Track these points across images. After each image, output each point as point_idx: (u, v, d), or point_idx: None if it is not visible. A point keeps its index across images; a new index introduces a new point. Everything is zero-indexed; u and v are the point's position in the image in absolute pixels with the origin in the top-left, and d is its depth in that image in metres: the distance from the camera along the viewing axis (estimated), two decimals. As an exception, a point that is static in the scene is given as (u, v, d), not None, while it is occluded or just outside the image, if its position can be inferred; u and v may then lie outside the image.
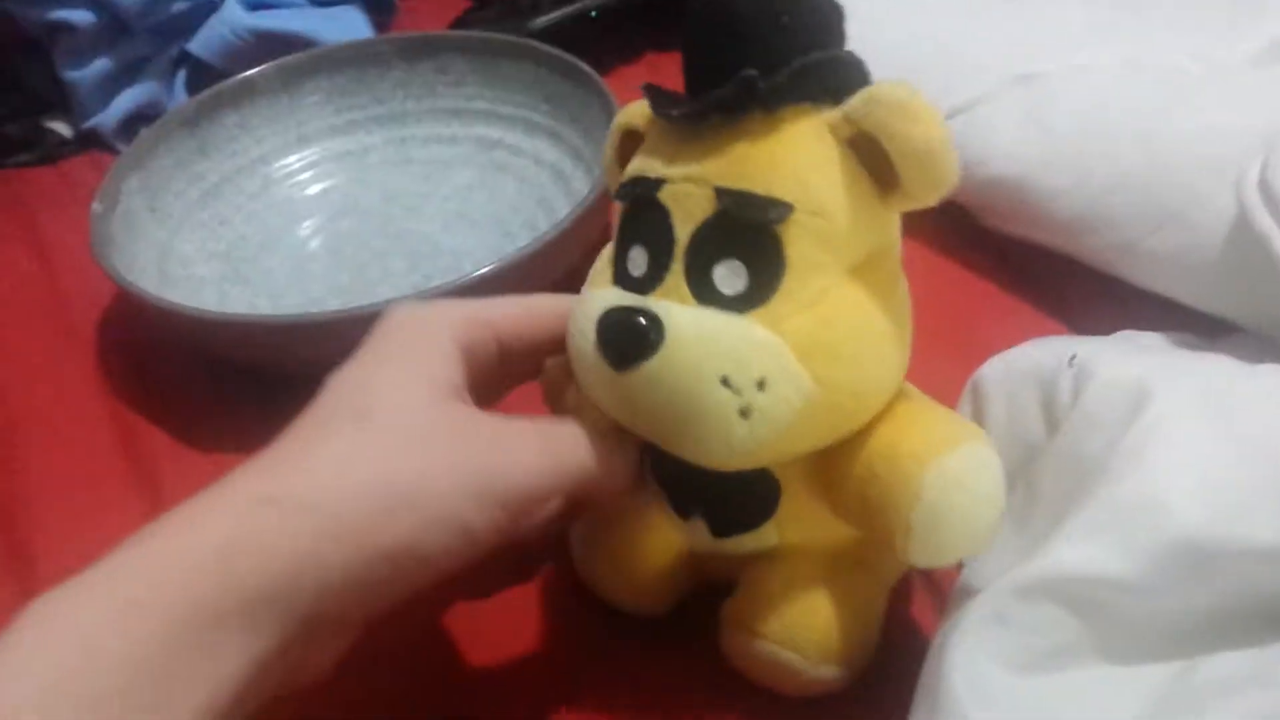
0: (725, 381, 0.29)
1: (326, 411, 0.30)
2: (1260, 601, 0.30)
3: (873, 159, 0.30)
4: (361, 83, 0.64)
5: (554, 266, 0.49)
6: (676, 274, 0.30)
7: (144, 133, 0.58)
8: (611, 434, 0.33)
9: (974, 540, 0.31)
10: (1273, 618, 0.30)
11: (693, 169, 0.30)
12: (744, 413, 0.29)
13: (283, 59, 0.63)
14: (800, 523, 0.34)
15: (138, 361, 0.54)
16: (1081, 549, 0.30)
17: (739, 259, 0.29)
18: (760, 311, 0.29)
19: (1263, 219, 0.36)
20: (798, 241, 0.29)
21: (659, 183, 0.31)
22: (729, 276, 0.30)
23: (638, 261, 0.31)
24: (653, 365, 0.29)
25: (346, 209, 0.61)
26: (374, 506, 0.28)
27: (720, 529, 0.35)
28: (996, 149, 0.47)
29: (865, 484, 0.31)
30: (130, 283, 0.48)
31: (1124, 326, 0.42)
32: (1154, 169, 0.43)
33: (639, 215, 0.31)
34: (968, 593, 0.32)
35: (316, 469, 0.28)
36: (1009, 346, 0.38)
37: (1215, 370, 0.33)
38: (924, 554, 0.31)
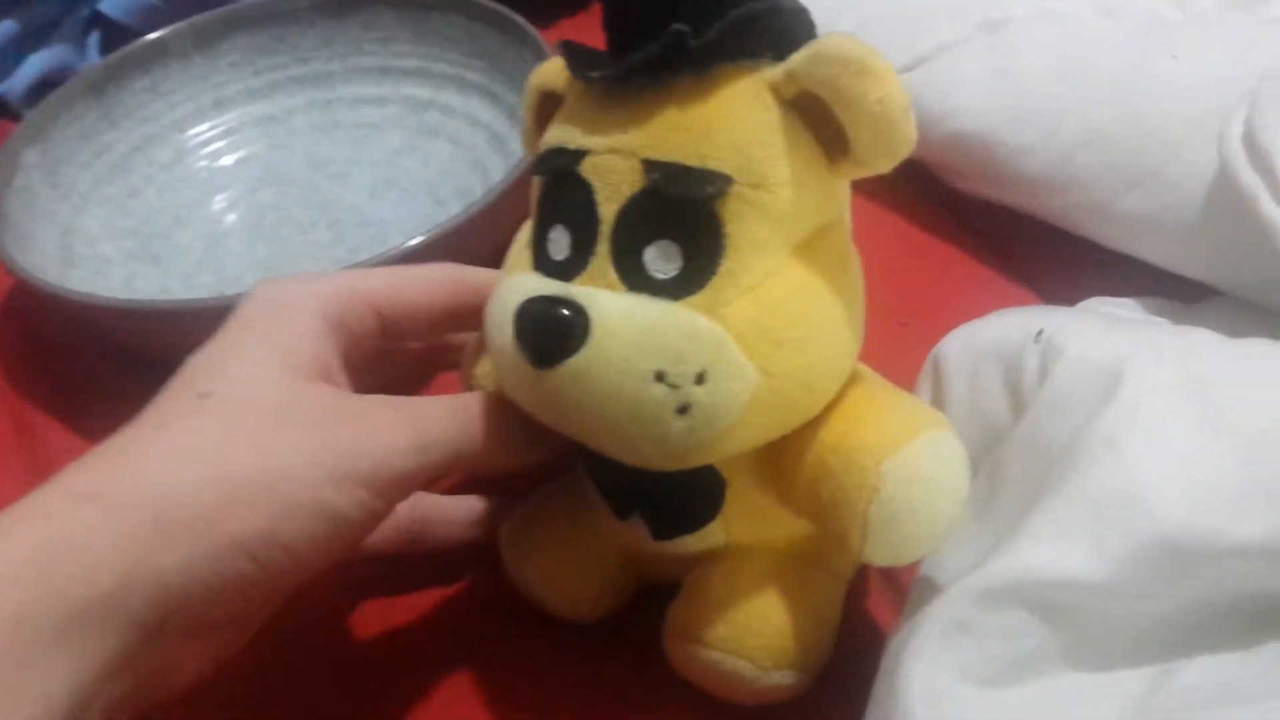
0: (660, 377, 0.26)
1: (169, 397, 0.29)
2: (1243, 601, 0.28)
3: (820, 122, 0.27)
4: (282, 41, 0.60)
5: (489, 236, 0.45)
6: (602, 257, 0.27)
7: (44, 101, 0.55)
8: (501, 406, 0.31)
9: (935, 537, 0.29)
10: (1257, 618, 0.28)
11: (617, 139, 0.27)
12: (682, 410, 0.26)
13: (196, 17, 0.59)
14: (749, 520, 0.32)
15: (37, 352, 0.51)
16: (1049, 549, 0.27)
17: (672, 239, 0.27)
18: (698, 297, 0.27)
19: (1247, 175, 0.33)
20: (737, 218, 0.27)
21: (580, 154, 0.28)
22: (661, 259, 0.27)
23: (559, 244, 0.28)
24: (578, 362, 0.26)
25: (267, 178, 0.57)
26: (216, 496, 0.26)
27: (661, 531, 0.32)
28: (960, 102, 0.45)
29: (818, 480, 0.29)
30: (23, 269, 0.45)
31: (1095, 293, 0.40)
32: (1129, 123, 0.40)
33: (559, 192, 0.28)
34: (927, 587, 0.30)
35: (148, 460, 0.27)
36: (972, 318, 0.36)
37: (1194, 346, 0.30)
38: (882, 553, 0.29)
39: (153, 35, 0.58)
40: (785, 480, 0.30)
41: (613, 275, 0.27)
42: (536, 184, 0.30)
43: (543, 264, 0.29)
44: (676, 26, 0.26)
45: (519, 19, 0.54)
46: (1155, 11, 0.45)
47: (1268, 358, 0.30)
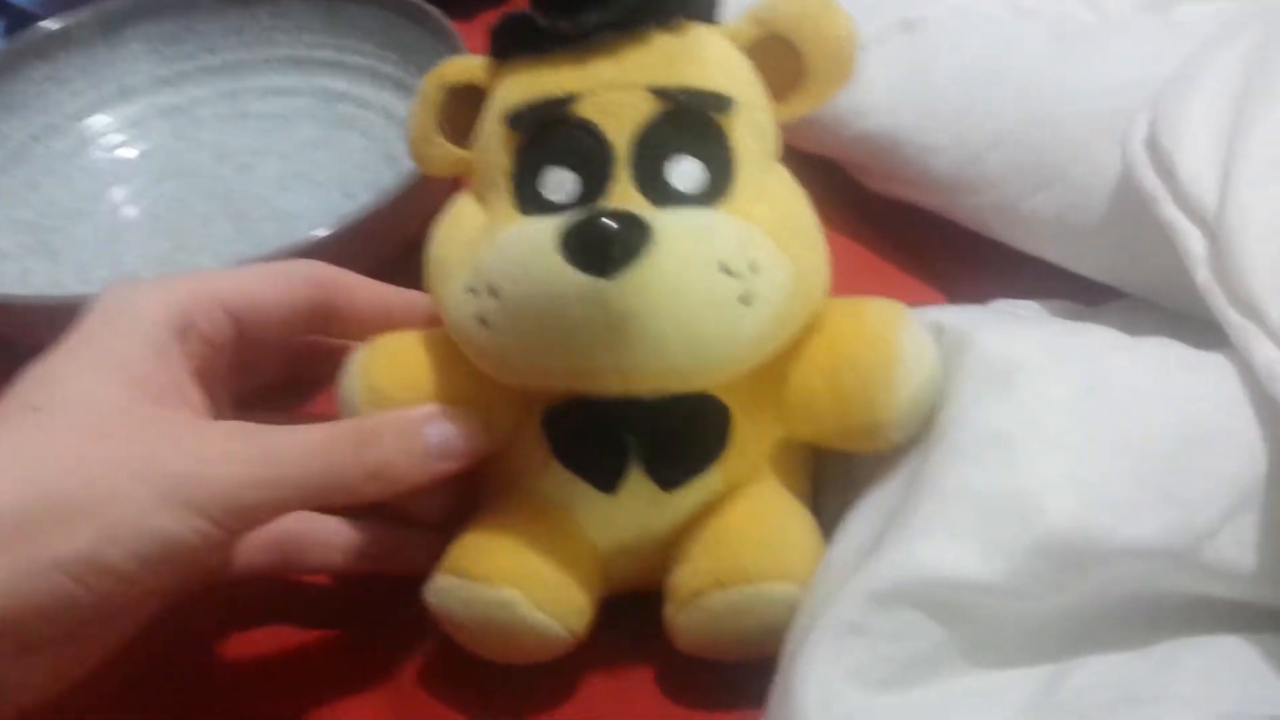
0: (724, 269, 0.28)
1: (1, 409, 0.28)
2: (1135, 601, 0.28)
3: (770, 66, 0.31)
4: (190, 29, 0.58)
5: (399, 229, 0.45)
6: (623, 183, 0.29)
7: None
8: (387, 423, 0.30)
9: (935, 400, 0.31)
10: (1149, 617, 0.28)
11: (614, 74, 0.29)
12: (745, 299, 0.28)
13: (101, 3, 0.57)
14: (743, 457, 0.31)
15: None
16: (940, 547, 0.27)
17: (692, 155, 0.29)
18: (725, 203, 0.29)
19: (1149, 178, 0.33)
20: (741, 134, 0.30)
21: (568, 99, 0.29)
22: (686, 174, 0.29)
23: (560, 185, 0.30)
24: (650, 263, 0.27)
25: (172, 170, 0.56)
26: (36, 514, 0.25)
27: (672, 476, 0.31)
28: (873, 101, 0.44)
29: (835, 374, 0.30)
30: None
31: (1004, 293, 0.40)
32: (1037, 125, 0.40)
33: (549, 138, 0.30)
34: (828, 573, 0.30)
35: None
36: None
37: (1090, 347, 0.30)
38: (908, 423, 0.30)
39: (55, 22, 0.56)
40: (795, 391, 0.31)
41: (639, 197, 0.29)
42: (504, 142, 0.30)
43: (541, 209, 0.29)
44: None
45: (433, 10, 0.53)
46: (1069, 14, 0.45)
47: (1161, 359, 0.30)
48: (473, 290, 0.29)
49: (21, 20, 0.64)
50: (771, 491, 0.32)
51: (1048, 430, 0.28)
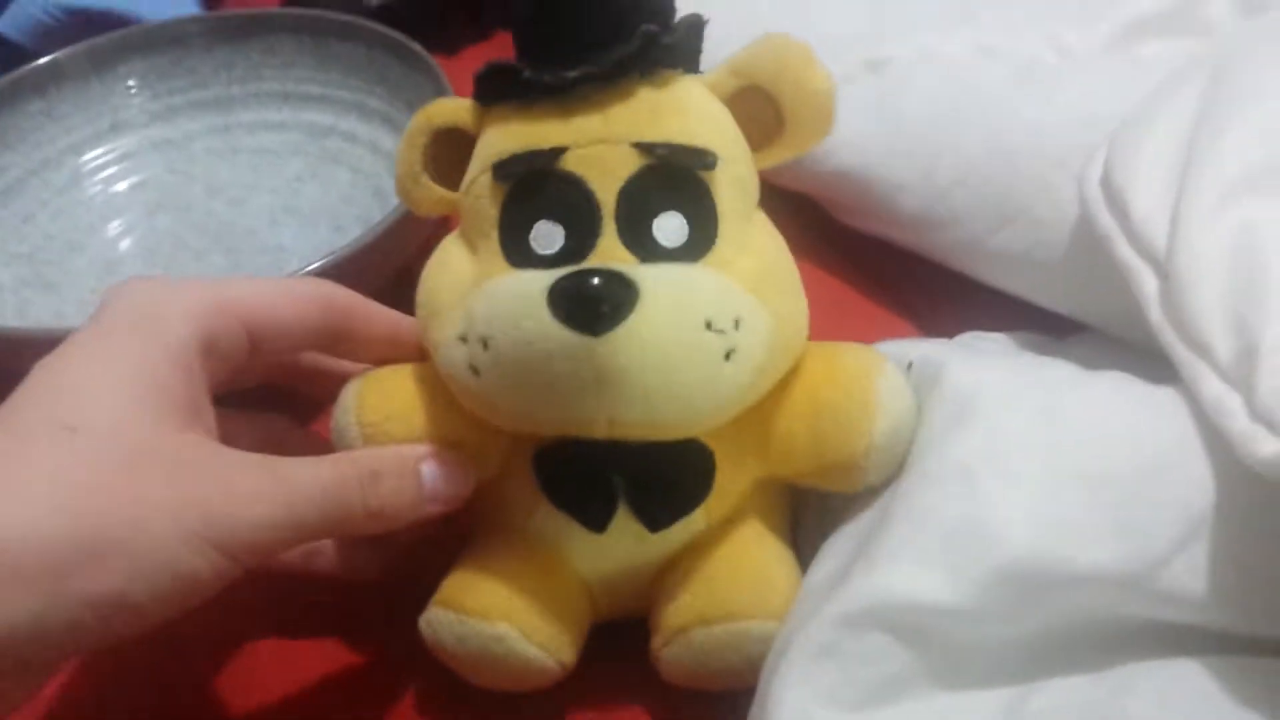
0: (708, 325, 0.28)
1: (26, 419, 0.27)
2: (1094, 626, 0.29)
3: (748, 116, 0.31)
4: (181, 65, 0.59)
5: (386, 263, 0.46)
6: (609, 237, 0.29)
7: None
8: (389, 464, 0.30)
9: (909, 443, 0.31)
10: (1107, 642, 0.29)
11: (599, 129, 0.29)
12: (728, 355, 0.29)
13: (93, 39, 0.58)
14: (724, 498, 0.32)
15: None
16: (909, 573, 0.28)
17: (676, 210, 0.30)
18: (709, 258, 0.30)
19: (1103, 217, 0.34)
20: (723, 188, 0.30)
21: (556, 152, 0.30)
22: (670, 230, 0.29)
23: (549, 238, 0.30)
24: (635, 321, 0.27)
25: (164, 204, 0.57)
26: (70, 550, 0.25)
27: (658, 519, 0.32)
28: (843, 139, 0.45)
29: (815, 418, 0.31)
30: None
31: (973, 326, 0.41)
32: (1001, 162, 0.41)
33: (536, 191, 0.30)
34: (803, 601, 0.31)
35: (6, 500, 0.25)
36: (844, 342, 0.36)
37: (1051, 380, 0.31)
38: (883, 467, 0.31)
39: (48, 57, 0.57)
40: (775, 434, 0.32)
41: (624, 252, 0.29)
42: (492, 192, 0.30)
43: (530, 263, 0.29)
44: (646, 27, 0.29)
45: (417, 47, 0.54)
46: (1033, 55, 0.46)
47: (1118, 393, 0.31)
48: (464, 339, 0.29)
49: (10, 53, 0.65)
50: (753, 532, 0.33)
51: (1008, 462, 0.29)
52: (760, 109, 0.31)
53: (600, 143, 0.29)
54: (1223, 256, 0.31)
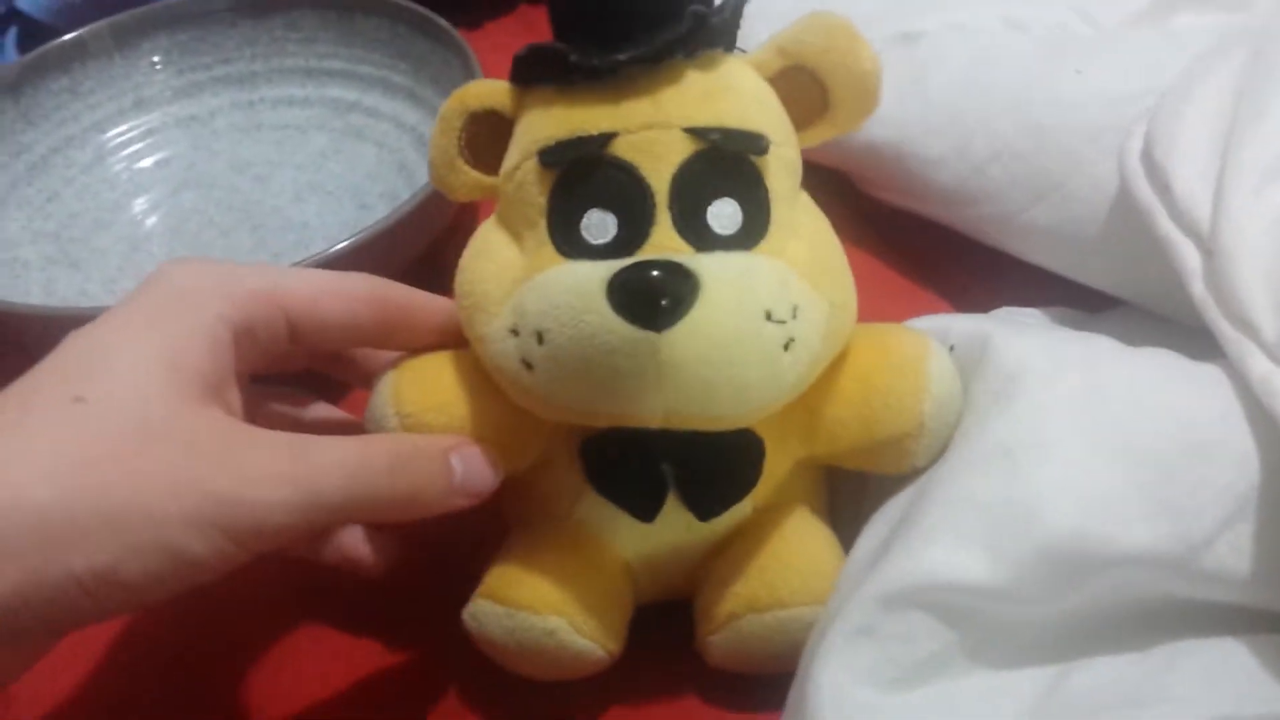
0: (769, 316, 0.28)
1: (39, 389, 0.26)
2: (1136, 605, 0.29)
3: (792, 95, 0.30)
4: (204, 41, 0.59)
5: (415, 240, 0.46)
6: (663, 225, 0.28)
7: (-42, 102, 0.53)
8: (420, 450, 0.29)
9: (955, 427, 0.31)
10: (1148, 621, 0.29)
11: (649, 114, 0.29)
12: (787, 344, 0.28)
13: (117, 15, 0.58)
14: (770, 482, 0.32)
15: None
16: (946, 553, 0.28)
17: (730, 196, 0.29)
18: (764, 245, 0.29)
19: (1144, 192, 0.34)
20: (774, 172, 0.30)
21: (605, 138, 0.29)
22: (724, 216, 0.29)
23: (602, 226, 0.29)
24: (697, 314, 0.27)
25: (189, 181, 0.56)
26: (62, 523, 0.24)
27: (709, 508, 0.31)
28: (877, 113, 0.45)
29: (864, 401, 0.31)
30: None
31: (1006, 301, 0.41)
32: (1033, 137, 0.41)
33: (585, 178, 0.29)
34: (843, 582, 0.31)
35: (6, 465, 0.25)
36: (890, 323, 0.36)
37: (1092, 356, 0.31)
38: (932, 449, 0.31)
39: (71, 34, 0.57)
40: (825, 418, 0.32)
41: (679, 240, 0.28)
42: (539, 179, 0.29)
43: (582, 253, 0.29)
44: (695, 8, 0.28)
45: (442, 21, 0.54)
46: (1064, 25, 0.46)
47: (1161, 369, 0.30)
48: (515, 331, 0.29)
49: (34, 31, 0.65)
50: (799, 517, 0.33)
51: (1048, 440, 0.29)
52: (804, 88, 0.31)
53: (651, 128, 0.28)
54: (1265, 234, 0.30)
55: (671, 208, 0.28)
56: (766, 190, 0.29)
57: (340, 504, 0.28)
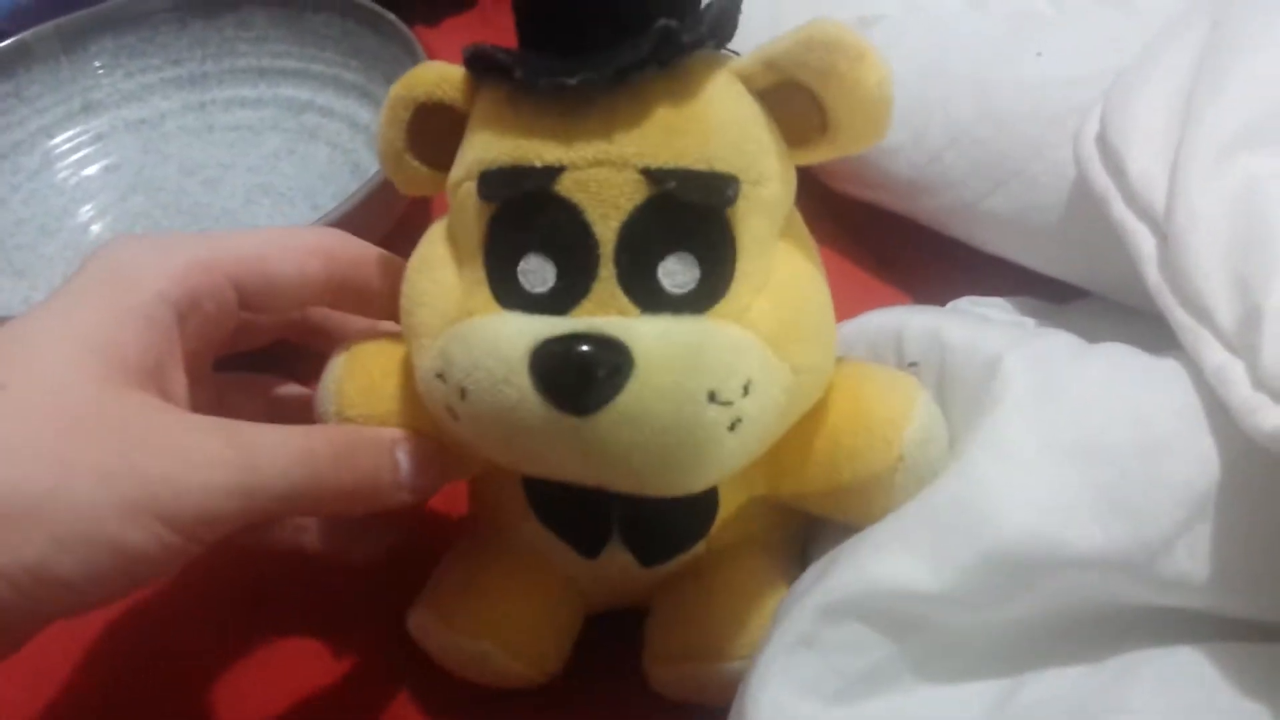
0: (712, 397, 0.24)
1: None
2: (1090, 612, 0.28)
3: (786, 109, 0.26)
4: (153, 42, 0.58)
5: (366, 236, 0.44)
6: (607, 281, 0.25)
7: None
8: (366, 440, 0.29)
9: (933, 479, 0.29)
10: (1101, 629, 0.28)
11: (602, 149, 0.25)
12: (733, 426, 0.25)
13: (61, 18, 0.56)
14: (727, 528, 0.31)
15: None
16: (893, 560, 0.27)
17: (687, 250, 0.25)
18: (721, 306, 0.25)
19: (1099, 176, 0.33)
20: (745, 218, 0.26)
21: (553, 171, 0.25)
22: (677, 274, 0.25)
23: (539, 275, 0.26)
24: (626, 400, 0.24)
25: (138, 185, 0.55)
26: None
27: (653, 557, 0.30)
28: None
29: (836, 461, 0.29)
30: None
31: (968, 292, 0.39)
32: (991, 123, 0.39)
33: (526, 217, 0.26)
34: (789, 597, 0.29)
35: None
36: (845, 318, 0.35)
37: (1046, 355, 0.30)
38: (904, 502, 0.29)
39: (15, 37, 0.55)
40: (792, 471, 0.29)
41: (623, 299, 0.25)
42: (479, 210, 0.26)
43: (517, 300, 0.26)
44: (664, 21, 0.24)
45: (391, 16, 0.52)
46: (1027, 7, 0.44)
47: (1117, 365, 0.29)
48: (441, 377, 0.26)
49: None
50: (752, 560, 0.31)
51: (999, 440, 0.28)
52: (801, 103, 0.26)
53: (602, 164, 0.25)
54: (1223, 214, 0.29)
55: (618, 261, 0.25)
56: (733, 241, 0.26)
57: (284, 491, 0.27)
